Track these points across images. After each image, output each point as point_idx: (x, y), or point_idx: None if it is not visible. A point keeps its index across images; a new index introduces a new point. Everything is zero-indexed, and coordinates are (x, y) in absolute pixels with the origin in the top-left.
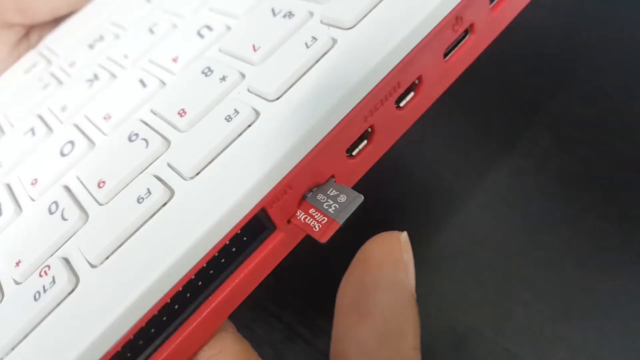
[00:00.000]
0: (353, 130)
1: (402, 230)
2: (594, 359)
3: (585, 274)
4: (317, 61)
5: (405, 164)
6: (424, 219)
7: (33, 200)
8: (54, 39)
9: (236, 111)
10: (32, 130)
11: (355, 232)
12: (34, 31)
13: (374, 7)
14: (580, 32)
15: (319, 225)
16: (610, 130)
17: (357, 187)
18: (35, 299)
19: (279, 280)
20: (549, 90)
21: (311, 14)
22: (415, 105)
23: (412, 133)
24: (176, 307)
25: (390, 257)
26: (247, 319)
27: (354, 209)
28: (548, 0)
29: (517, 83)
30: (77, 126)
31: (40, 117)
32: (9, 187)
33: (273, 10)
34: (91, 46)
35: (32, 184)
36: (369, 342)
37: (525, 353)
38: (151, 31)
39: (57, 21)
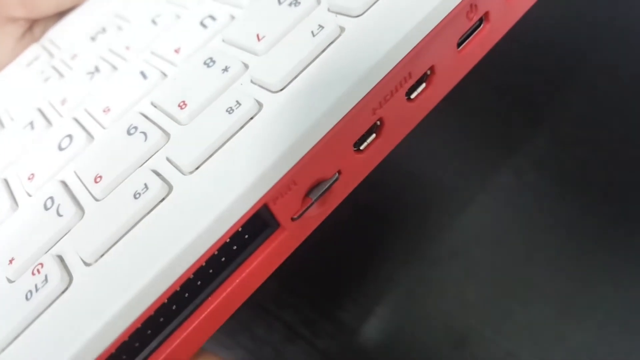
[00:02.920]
0: (361, 123)
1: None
2: (594, 359)
3: (585, 274)
4: (323, 50)
5: (404, 163)
6: (423, 218)
7: (30, 195)
8: (57, 31)
9: (238, 103)
10: (31, 124)
11: (356, 232)
12: (38, 24)
13: None
14: (580, 32)
15: None
16: (610, 130)
17: (357, 187)
18: (27, 299)
19: (278, 280)
20: (548, 90)
21: (318, 1)
22: (427, 97)
23: (412, 132)
24: (174, 307)
25: None
26: (246, 319)
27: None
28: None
29: (516, 83)
30: (76, 120)
31: (40, 111)
32: (6, 182)
33: None
34: (93, 38)
35: (29, 178)
36: None
37: (525, 353)
38: (154, 22)
39: (61, 14)
